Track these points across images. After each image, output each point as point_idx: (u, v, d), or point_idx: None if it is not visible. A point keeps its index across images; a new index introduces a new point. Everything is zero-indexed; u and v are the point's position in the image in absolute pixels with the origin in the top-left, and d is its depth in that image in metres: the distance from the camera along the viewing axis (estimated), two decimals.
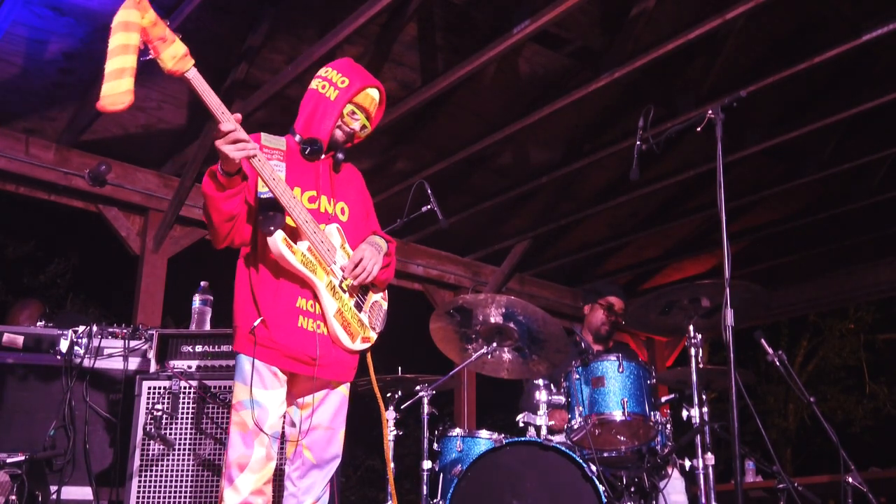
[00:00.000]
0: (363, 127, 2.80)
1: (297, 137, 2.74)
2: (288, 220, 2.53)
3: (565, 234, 7.58)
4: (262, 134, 2.67)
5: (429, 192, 3.78)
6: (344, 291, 2.64)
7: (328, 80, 2.74)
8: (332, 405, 2.67)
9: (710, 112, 2.90)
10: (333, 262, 2.63)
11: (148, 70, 2.33)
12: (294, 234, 2.55)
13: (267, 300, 2.54)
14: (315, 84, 2.77)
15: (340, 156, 2.76)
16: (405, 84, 5.27)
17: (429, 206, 3.81)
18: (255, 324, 2.50)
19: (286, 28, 4.83)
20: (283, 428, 2.66)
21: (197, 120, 5.47)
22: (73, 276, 12.97)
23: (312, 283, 2.56)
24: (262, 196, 2.52)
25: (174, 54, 2.30)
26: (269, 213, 2.51)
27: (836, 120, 5.34)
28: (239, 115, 2.42)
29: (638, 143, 3.19)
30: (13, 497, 3.29)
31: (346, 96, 2.70)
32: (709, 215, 6.92)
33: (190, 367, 3.58)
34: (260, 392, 2.50)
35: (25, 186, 5.58)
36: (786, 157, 6.29)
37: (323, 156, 2.73)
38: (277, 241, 2.49)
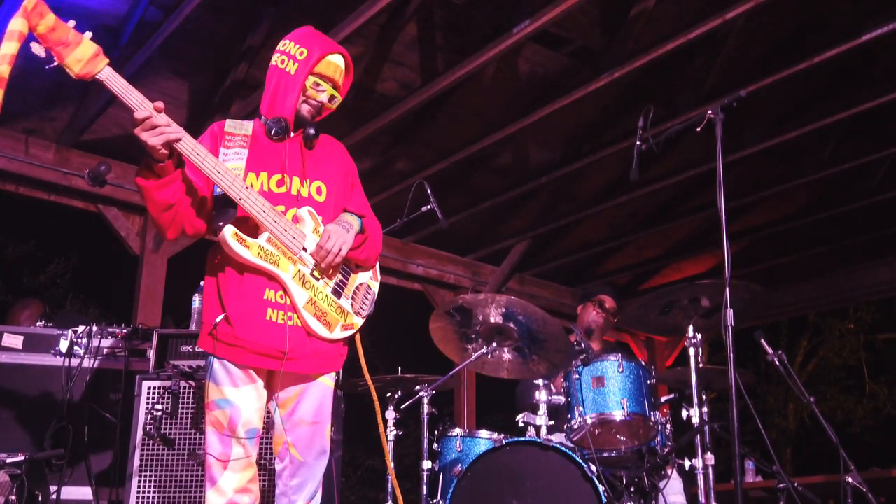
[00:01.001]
0: (332, 97, 2.63)
1: (263, 119, 2.59)
2: (251, 213, 2.41)
3: (565, 234, 7.59)
4: (227, 120, 2.59)
5: (429, 192, 3.78)
6: (317, 279, 2.50)
7: (286, 54, 2.59)
8: (314, 399, 2.54)
9: (710, 112, 2.89)
10: (302, 250, 2.48)
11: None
12: (251, 227, 2.44)
13: (231, 295, 2.43)
14: (275, 59, 2.61)
15: (311, 131, 2.59)
16: (405, 84, 5.27)
17: (429, 206, 3.81)
18: (217, 321, 2.41)
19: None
20: (266, 425, 2.60)
21: (197, 120, 5.46)
22: (73, 276, 12.98)
23: (276, 276, 2.43)
24: (216, 193, 2.41)
25: (80, 57, 2.16)
26: (221, 208, 2.40)
27: (835, 120, 5.35)
28: (160, 104, 2.28)
29: (638, 143, 3.19)
30: (13, 497, 3.29)
31: (306, 68, 2.55)
32: (709, 215, 6.93)
33: (190, 366, 3.57)
34: (230, 390, 2.42)
35: (25, 186, 5.58)
36: (786, 157, 6.29)
37: (291, 134, 2.58)
38: (227, 236, 2.37)
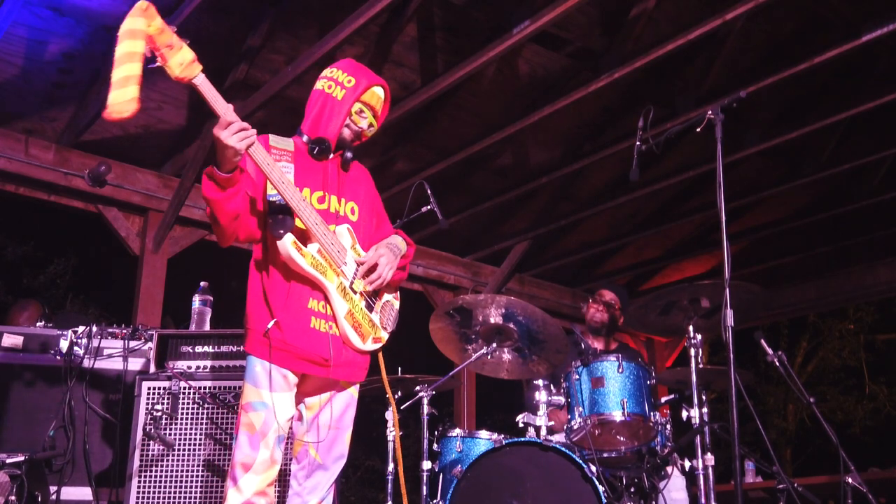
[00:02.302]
0: (370, 125, 2.81)
1: (305, 138, 2.74)
2: (298, 223, 2.53)
3: (565, 234, 7.58)
4: (270, 136, 2.68)
5: (429, 192, 3.78)
6: (354, 293, 2.65)
7: (334, 80, 2.74)
8: (340, 405, 2.68)
9: (709, 112, 2.90)
10: (344, 264, 2.63)
11: (147, 71, 2.32)
12: (304, 237, 2.55)
13: (279, 302, 2.54)
14: (321, 84, 2.77)
15: (349, 154, 2.76)
16: (405, 84, 5.27)
17: (429, 207, 3.81)
18: (269, 326, 2.50)
19: (286, 28, 4.83)
20: (290, 427, 2.66)
21: (197, 120, 5.47)
22: (73, 277, 12.99)
23: (323, 286, 2.57)
24: (271, 199, 2.52)
25: (181, 61, 2.30)
26: (278, 216, 2.51)
27: (836, 120, 5.35)
28: (232, 106, 2.42)
29: (638, 143, 3.19)
30: (13, 497, 3.29)
31: (353, 95, 2.71)
32: (709, 215, 6.92)
33: (189, 367, 3.58)
34: (269, 394, 2.51)
35: (25, 186, 5.57)
36: (786, 157, 6.30)
37: (331, 155, 2.73)
38: (287, 244, 2.49)
